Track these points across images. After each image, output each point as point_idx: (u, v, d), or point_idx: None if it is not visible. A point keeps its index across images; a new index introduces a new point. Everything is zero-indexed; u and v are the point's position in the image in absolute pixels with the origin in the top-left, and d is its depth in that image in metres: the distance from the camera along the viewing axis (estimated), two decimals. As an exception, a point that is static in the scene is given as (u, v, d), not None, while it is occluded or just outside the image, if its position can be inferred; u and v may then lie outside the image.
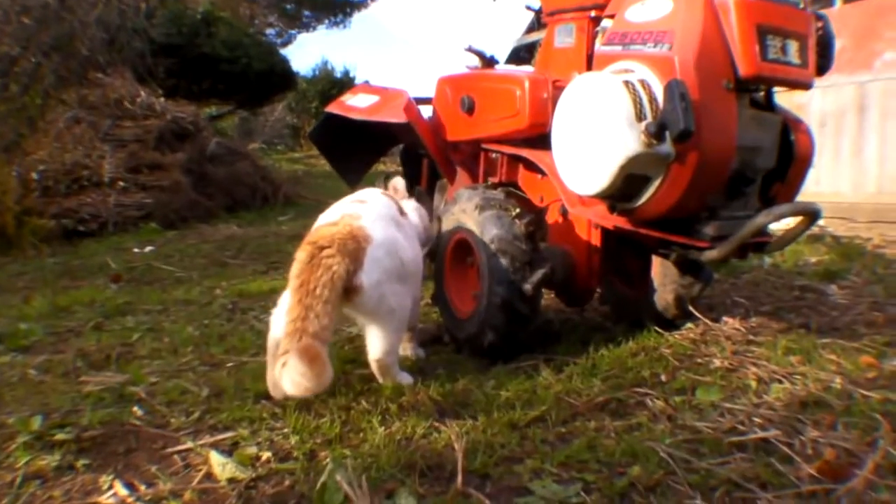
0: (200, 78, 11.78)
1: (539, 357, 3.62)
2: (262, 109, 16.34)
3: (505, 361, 3.60)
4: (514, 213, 3.62)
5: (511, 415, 2.87)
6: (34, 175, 8.55)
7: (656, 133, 2.83)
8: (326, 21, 21.31)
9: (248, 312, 4.86)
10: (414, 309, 3.40)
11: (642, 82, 2.95)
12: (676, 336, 3.86)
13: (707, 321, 3.97)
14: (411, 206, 3.79)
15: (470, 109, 4.17)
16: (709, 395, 3.05)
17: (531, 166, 3.96)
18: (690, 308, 3.98)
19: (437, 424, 2.81)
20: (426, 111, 4.67)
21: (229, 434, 2.75)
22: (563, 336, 4.04)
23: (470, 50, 4.66)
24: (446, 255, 3.90)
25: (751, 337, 3.82)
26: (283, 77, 15.35)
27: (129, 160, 9.02)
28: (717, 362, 3.47)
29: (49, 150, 8.85)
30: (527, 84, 3.83)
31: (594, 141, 3.04)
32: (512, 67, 5.28)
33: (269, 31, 20.21)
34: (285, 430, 2.78)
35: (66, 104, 9.32)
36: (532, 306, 3.58)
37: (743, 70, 3.01)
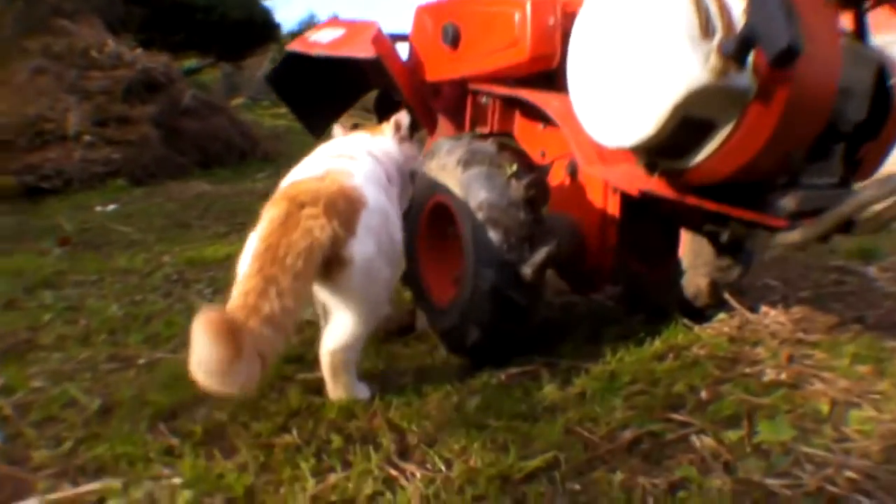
0: (175, 28, 10.68)
1: (539, 361, 2.64)
2: (247, 63, 15.27)
3: (494, 365, 2.59)
4: (509, 172, 2.59)
5: (502, 462, 1.92)
6: None
7: (735, 54, 1.82)
8: (311, -29, 20.07)
9: (191, 286, 3.99)
10: None
11: None
12: (709, 331, 2.93)
13: (745, 311, 3.04)
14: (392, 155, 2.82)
15: (454, 41, 3.16)
16: (776, 433, 2.12)
17: (530, 112, 2.96)
18: (727, 296, 3.02)
19: (393, 474, 1.90)
20: (404, 50, 3.64)
21: (95, 485, 1.93)
22: (568, 330, 3.02)
23: None
24: (420, 223, 2.88)
25: (800, 335, 2.91)
26: (263, 27, 14.18)
27: (95, 113, 8.02)
28: (770, 373, 2.55)
29: (10, 102, 7.88)
30: (528, 6, 2.81)
31: (635, 69, 2.04)
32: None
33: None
34: (175, 481, 1.90)
35: (29, 53, 8.28)
36: (532, 295, 2.56)
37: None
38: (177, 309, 3.48)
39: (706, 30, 1.86)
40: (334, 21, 4.08)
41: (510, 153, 2.79)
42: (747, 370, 2.58)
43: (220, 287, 3.71)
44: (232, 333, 1.80)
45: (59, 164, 7.61)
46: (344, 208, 2.15)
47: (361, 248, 2.16)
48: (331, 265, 2.13)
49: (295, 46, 3.99)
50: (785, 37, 1.72)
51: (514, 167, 2.59)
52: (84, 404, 2.41)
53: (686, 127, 2.00)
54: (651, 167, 2.25)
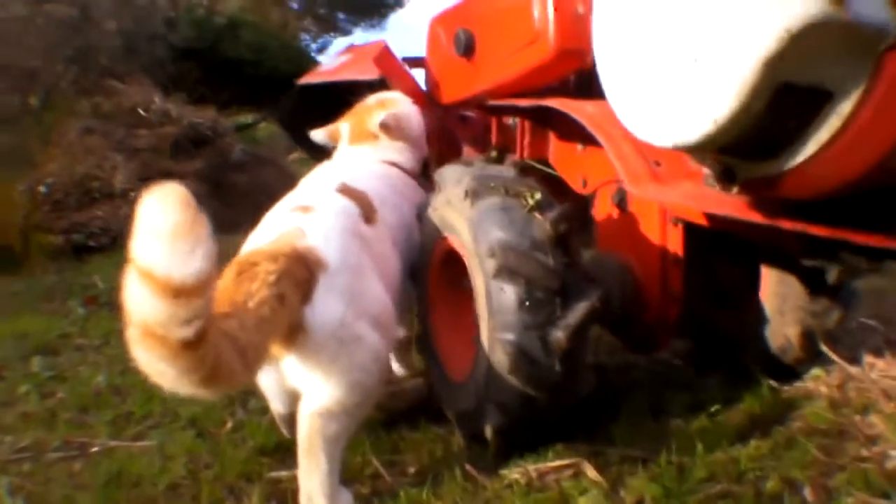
0: (225, 84, 10.29)
1: (582, 449, 1.88)
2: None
3: (522, 457, 1.85)
4: (531, 203, 1.86)
5: None
6: (42, 189, 7.26)
7: None
8: (362, 24, 19.35)
9: None
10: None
11: None
12: (803, 395, 2.19)
13: (845, 364, 2.27)
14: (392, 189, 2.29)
15: (468, 49, 2.51)
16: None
17: (566, 131, 2.27)
18: (823, 347, 2.24)
19: None
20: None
21: None
22: (623, 401, 2.23)
23: None
24: (430, 274, 2.17)
25: (923, 393, 2.14)
26: (314, 82, 13.43)
27: (142, 170, 7.63)
28: (895, 455, 1.78)
29: (59, 162, 7.54)
30: None
31: (699, 19, 1.29)
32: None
33: (304, 36, 18.44)
34: None
35: (78, 114, 7.98)
36: (568, 368, 1.79)
37: None
38: (166, 381, 2.85)
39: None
40: (348, 49, 3.46)
41: (537, 177, 2.07)
42: (863, 452, 1.83)
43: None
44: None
45: (105, 222, 7.19)
46: (301, 275, 1.65)
47: (323, 315, 1.64)
48: (294, 335, 1.62)
49: (304, 79, 3.39)
50: None
51: (538, 196, 1.86)
52: None
53: (784, 101, 1.23)
54: (727, 177, 1.47)
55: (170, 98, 8.64)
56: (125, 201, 7.35)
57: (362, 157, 2.38)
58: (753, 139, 1.31)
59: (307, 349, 1.66)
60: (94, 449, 2.23)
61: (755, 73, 1.18)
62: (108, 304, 4.72)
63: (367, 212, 2.00)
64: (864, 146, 1.25)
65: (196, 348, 1.27)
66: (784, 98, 1.22)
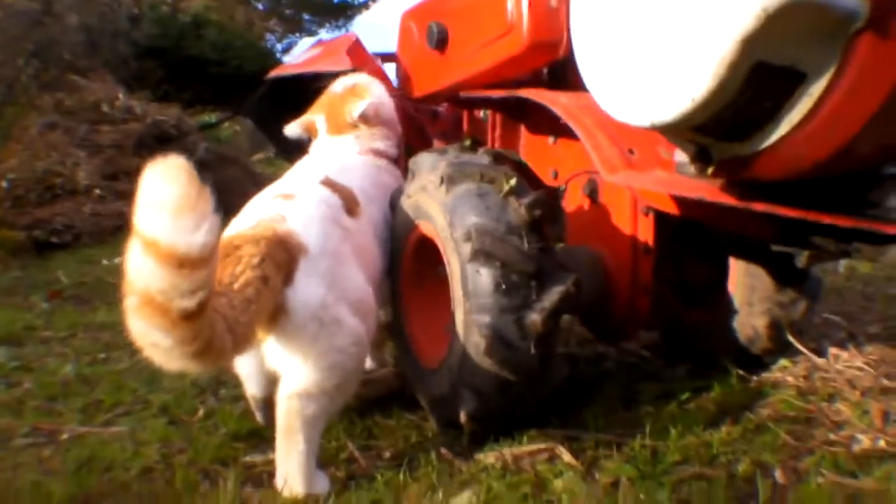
0: (189, 83, 10.21)
1: (556, 435, 1.90)
2: (269, 119, 14.79)
3: (497, 442, 1.87)
4: (506, 188, 1.88)
5: None
6: (3, 184, 7.21)
7: None
8: (327, 25, 19.31)
9: None
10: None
11: None
12: (772, 384, 2.24)
13: (811, 355, 2.35)
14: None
15: (441, 42, 2.53)
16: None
17: (537, 124, 2.29)
18: (790, 338, 2.30)
19: None
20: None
21: None
22: (595, 390, 2.26)
23: None
24: (404, 262, 2.18)
25: (885, 381, 2.22)
26: (279, 81, 13.33)
27: (105, 167, 7.56)
28: (863, 439, 1.85)
29: (21, 157, 7.47)
30: None
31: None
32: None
33: (270, 36, 18.34)
34: None
35: (40, 109, 7.90)
36: (542, 350, 1.81)
37: None
38: (136, 370, 2.80)
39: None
40: (318, 44, 3.46)
41: (511, 165, 2.08)
42: (831, 436, 1.89)
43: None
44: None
45: (68, 219, 7.13)
46: (282, 257, 1.68)
47: (304, 296, 1.68)
48: (276, 317, 1.65)
49: (273, 73, 3.39)
50: None
51: (513, 182, 1.88)
52: None
53: (758, 82, 1.26)
54: (702, 158, 1.49)
55: (133, 95, 8.58)
56: (88, 198, 7.32)
57: (345, 148, 2.39)
58: (729, 119, 1.34)
59: (288, 330, 1.68)
60: (64, 436, 2.18)
61: (732, 52, 1.20)
62: (74, 299, 4.72)
63: (350, 204, 2.02)
64: (834, 128, 1.28)
65: (194, 320, 1.30)
66: (759, 78, 1.25)
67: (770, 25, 1.15)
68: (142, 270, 1.25)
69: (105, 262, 6.16)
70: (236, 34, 11.36)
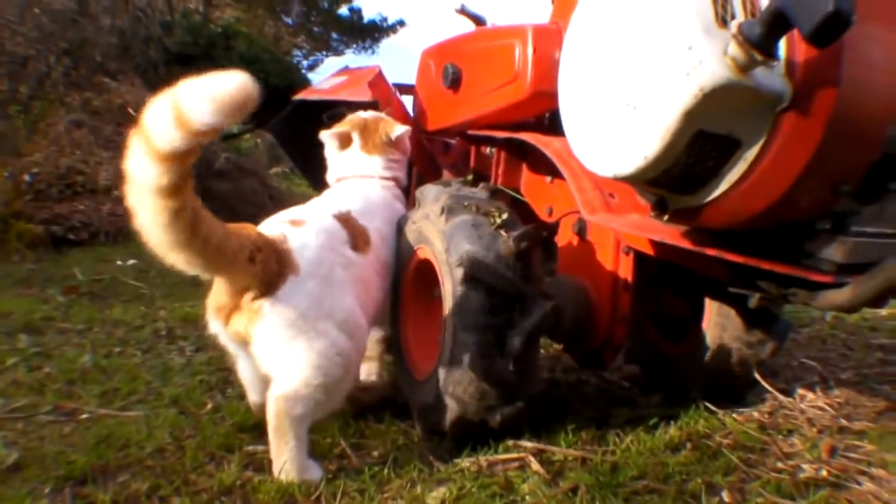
0: (216, 92, 10.37)
1: (529, 447, 2.12)
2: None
3: (475, 450, 2.10)
4: (497, 221, 2.12)
5: None
6: (26, 177, 7.32)
7: (761, 39, 1.34)
8: (354, 45, 19.57)
9: (176, 342, 3.57)
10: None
11: None
12: (736, 416, 2.43)
13: (777, 394, 2.55)
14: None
15: (455, 82, 2.76)
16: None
17: (537, 164, 2.52)
18: (756, 376, 2.51)
19: None
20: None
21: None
22: (571, 412, 2.48)
23: (462, 12, 3.15)
24: (405, 284, 2.42)
25: (843, 422, 2.42)
26: (302, 97, 13.45)
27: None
28: (807, 469, 2.04)
29: (45, 152, 7.61)
30: (530, 35, 2.40)
31: (635, 76, 1.57)
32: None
33: (297, 52, 18.51)
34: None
35: (68, 107, 8.11)
36: (521, 369, 2.05)
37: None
38: (149, 365, 3.07)
39: (722, 15, 1.40)
40: (343, 71, 3.70)
41: (507, 201, 2.33)
42: (779, 465, 2.08)
43: (204, 345, 3.31)
44: None
45: (87, 217, 7.30)
46: (271, 264, 1.92)
47: (282, 307, 1.91)
48: (253, 321, 1.91)
49: (300, 95, 3.62)
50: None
51: (504, 216, 2.13)
52: (0, 457, 2.04)
53: (700, 146, 1.51)
54: (660, 206, 1.74)
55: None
56: (108, 198, 7.48)
57: (373, 171, 2.60)
58: (678, 175, 1.58)
59: (266, 335, 1.90)
60: (84, 416, 2.39)
61: (676, 122, 1.44)
62: (89, 294, 4.90)
63: (358, 241, 2.24)
64: (766, 187, 1.51)
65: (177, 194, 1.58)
66: (700, 143, 1.50)
67: (707, 102, 1.39)
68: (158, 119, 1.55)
69: (119, 262, 6.44)
70: (264, 48, 11.54)
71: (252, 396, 2.18)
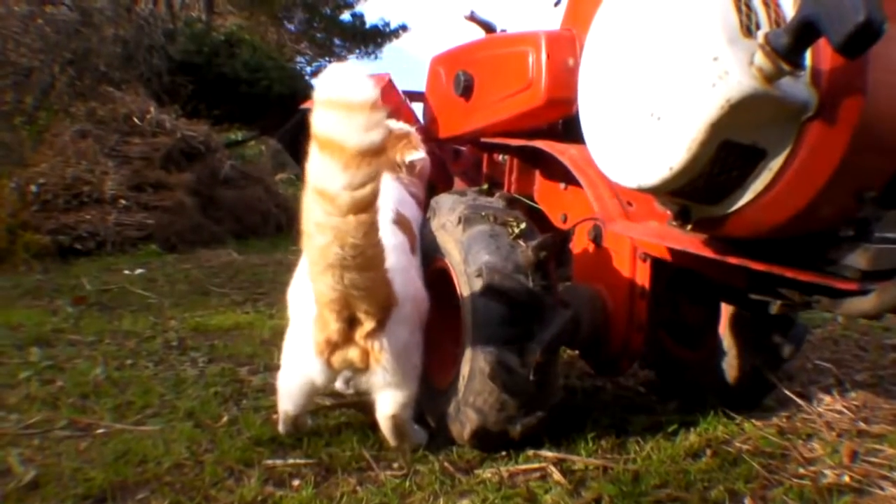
0: (218, 100, 10.41)
1: (550, 456, 2.12)
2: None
3: (495, 460, 2.09)
4: (515, 231, 2.12)
5: None
6: (32, 188, 7.33)
7: (788, 49, 1.34)
8: (357, 51, 19.65)
9: (187, 353, 3.53)
10: None
11: None
12: (755, 422, 2.43)
13: (795, 398, 2.56)
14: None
15: (466, 90, 2.74)
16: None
17: (551, 171, 2.51)
18: (773, 380, 2.52)
19: None
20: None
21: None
22: (589, 420, 2.46)
23: (472, 18, 3.13)
24: (422, 293, 2.40)
25: (861, 425, 2.43)
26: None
27: (133, 178, 7.74)
28: (829, 474, 2.04)
29: (51, 163, 7.60)
30: (543, 42, 2.38)
31: (659, 86, 1.56)
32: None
33: (300, 58, 18.65)
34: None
35: (73, 117, 8.13)
36: (540, 379, 2.04)
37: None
38: (162, 377, 3.04)
39: (747, 25, 1.39)
40: (352, 77, 3.68)
41: (521, 211, 2.32)
42: (801, 470, 2.08)
43: (216, 357, 3.33)
44: None
45: (93, 227, 7.31)
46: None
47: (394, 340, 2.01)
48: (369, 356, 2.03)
49: (307, 104, 3.61)
50: (860, 9, 1.21)
51: (522, 226, 2.13)
52: (17, 474, 2.03)
53: (725, 157, 1.50)
54: (683, 216, 1.74)
55: (164, 109, 8.79)
56: (114, 207, 7.50)
57: (392, 183, 2.56)
58: (702, 185, 1.57)
59: (382, 366, 1.98)
60: (100, 430, 2.37)
61: (702, 133, 1.43)
62: (98, 305, 4.84)
63: (413, 243, 2.30)
64: (790, 197, 1.51)
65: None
66: (726, 153, 1.49)
67: (733, 113, 1.39)
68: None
69: (127, 271, 6.39)
70: (268, 55, 11.56)
71: (286, 406, 2.17)
